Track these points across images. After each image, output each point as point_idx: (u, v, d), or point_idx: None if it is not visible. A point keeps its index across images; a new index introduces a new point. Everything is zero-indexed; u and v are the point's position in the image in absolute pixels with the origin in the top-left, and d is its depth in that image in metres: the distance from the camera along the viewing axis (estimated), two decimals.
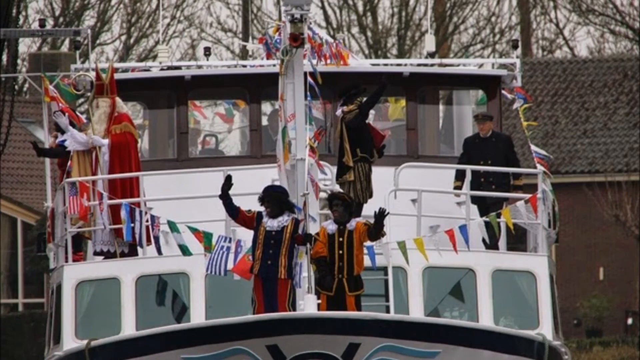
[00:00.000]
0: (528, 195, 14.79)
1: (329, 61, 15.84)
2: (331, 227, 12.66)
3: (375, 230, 12.57)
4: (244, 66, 17.88)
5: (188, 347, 11.81)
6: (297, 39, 12.57)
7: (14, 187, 47.61)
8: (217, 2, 56.00)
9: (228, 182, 12.66)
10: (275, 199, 12.56)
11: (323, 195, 13.60)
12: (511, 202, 15.09)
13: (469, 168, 15.08)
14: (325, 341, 11.39)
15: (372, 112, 15.73)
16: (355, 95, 14.54)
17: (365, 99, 14.54)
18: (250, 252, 12.74)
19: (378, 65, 21.21)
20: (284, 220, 12.56)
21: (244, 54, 32.48)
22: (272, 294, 12.44)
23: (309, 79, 12.82)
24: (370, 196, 14.48)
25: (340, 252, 12.51)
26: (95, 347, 12.99)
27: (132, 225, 14.06)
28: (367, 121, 14.78)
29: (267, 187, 12.91)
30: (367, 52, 53.76)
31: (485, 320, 13.92)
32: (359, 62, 17.78)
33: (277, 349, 11.46)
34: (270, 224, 12.56)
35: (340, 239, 12.54)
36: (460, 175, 15.20)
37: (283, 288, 12.47)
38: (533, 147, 16.42)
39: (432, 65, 18.41)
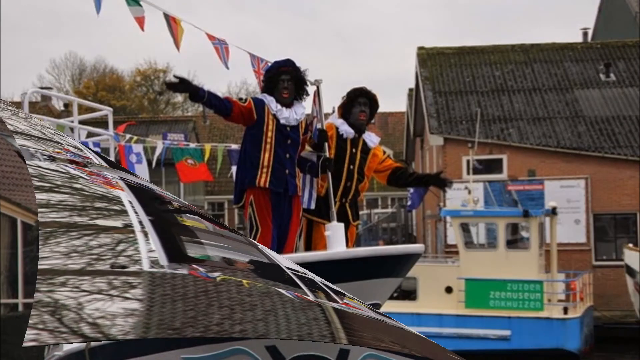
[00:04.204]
0: None
1: None
2: (347, 128, 8.96)
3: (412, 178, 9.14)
4: None
5: (188, 347, 11.80)
6: None
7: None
8: None
9: (179, 79, 7.63)
10: (298, 78, 8.30)
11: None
12: None
13: None
14: None
15: None
16: None
17: None
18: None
19: None
20: (300, 112, 8.36)
21: None
22: (283, 233, 8.34)
23: None
24: None
25: (351, 167, 9.01)
26: (95, 347, 13.01)
27: None
28: None
29: (284, 59, 8.43)
30: None
31: None
32: None
33: (276, 350, 11.46)
34: (287, 114, 8.27)
35: (354, 150, 9.03)
36: None
37: (295, 225, 8.41)
38: None
39: None
